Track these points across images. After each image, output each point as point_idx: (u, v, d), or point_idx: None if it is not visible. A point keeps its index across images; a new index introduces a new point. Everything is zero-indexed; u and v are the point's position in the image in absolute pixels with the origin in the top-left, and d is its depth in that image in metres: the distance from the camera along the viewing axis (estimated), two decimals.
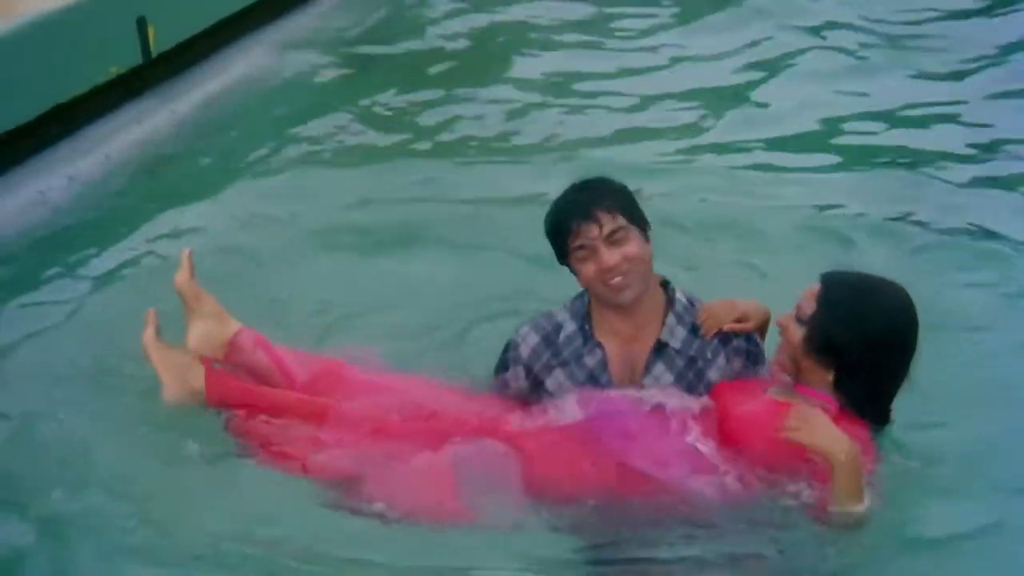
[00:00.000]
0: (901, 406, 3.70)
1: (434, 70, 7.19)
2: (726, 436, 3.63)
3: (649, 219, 3.77)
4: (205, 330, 3.96)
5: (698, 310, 3.84)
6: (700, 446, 3.63)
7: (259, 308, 4.50)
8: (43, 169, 5.72)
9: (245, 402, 3.83)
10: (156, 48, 6.27)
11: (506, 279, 4.83)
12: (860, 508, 3.48)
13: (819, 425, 3.48)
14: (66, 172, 5.73)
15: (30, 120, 5.64)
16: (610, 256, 3.68)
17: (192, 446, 3.85)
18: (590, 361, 3.82)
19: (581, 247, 3.70)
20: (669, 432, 3.68)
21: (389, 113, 6.63)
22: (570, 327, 3.87)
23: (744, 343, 3.81)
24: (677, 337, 3.81)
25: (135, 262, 5.17)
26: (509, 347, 3.92)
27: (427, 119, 6.47)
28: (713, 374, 3.81)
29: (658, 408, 3.71)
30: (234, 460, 3.77)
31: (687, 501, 3.60)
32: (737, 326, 3.78)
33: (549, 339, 3.88)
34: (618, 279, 3.71)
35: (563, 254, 3.76)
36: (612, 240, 3.67)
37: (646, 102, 6.71)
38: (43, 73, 5.66)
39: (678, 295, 3.84)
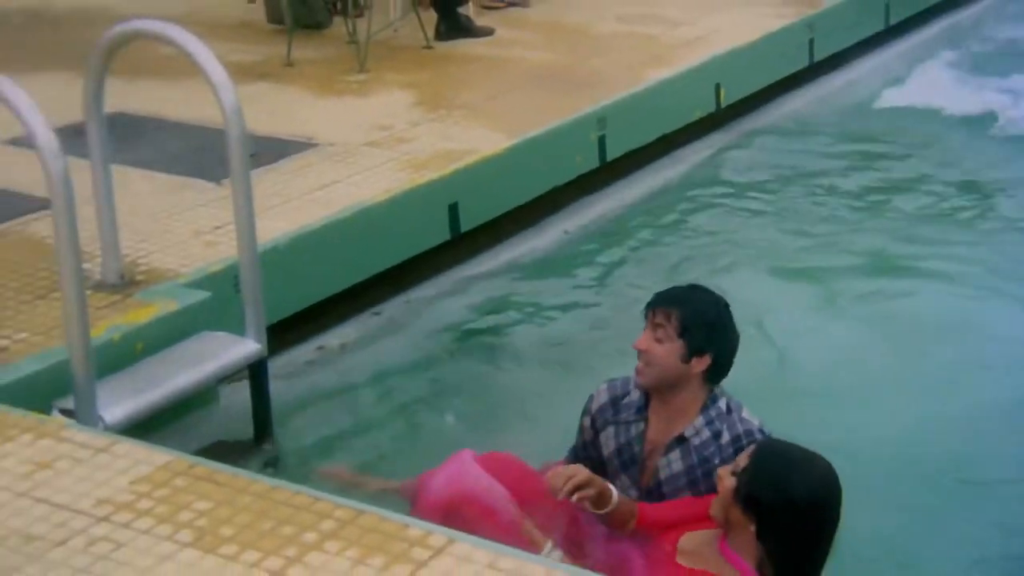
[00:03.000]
0: None
1: None
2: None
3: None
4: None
5: (734, 421, 3.89)
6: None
7: None
8: (647, 175, 7.87)
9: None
10: (724, 102, 8.52)
11: None
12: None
13: None
14: (664, 176, 7.99)
15: (645, 144, 7.83)
16: (641, 341, 3.90)
17: None
18: (634, 429, 3.96)
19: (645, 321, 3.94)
20: None
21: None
22: (635, 395, 4.00)
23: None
24: (699, 436, 3.87)
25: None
26: (590, 398, 4.11)
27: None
28: None
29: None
30: None
31: None
32: (576, 495, 3.64)
33: (616, 400, 4.04)
34: (640, 360, 3.91)
35: None
36: (655, 334, 3.86)
37: None
38: (656, 115, 7.89)
39: (719, 402, 3.90)
